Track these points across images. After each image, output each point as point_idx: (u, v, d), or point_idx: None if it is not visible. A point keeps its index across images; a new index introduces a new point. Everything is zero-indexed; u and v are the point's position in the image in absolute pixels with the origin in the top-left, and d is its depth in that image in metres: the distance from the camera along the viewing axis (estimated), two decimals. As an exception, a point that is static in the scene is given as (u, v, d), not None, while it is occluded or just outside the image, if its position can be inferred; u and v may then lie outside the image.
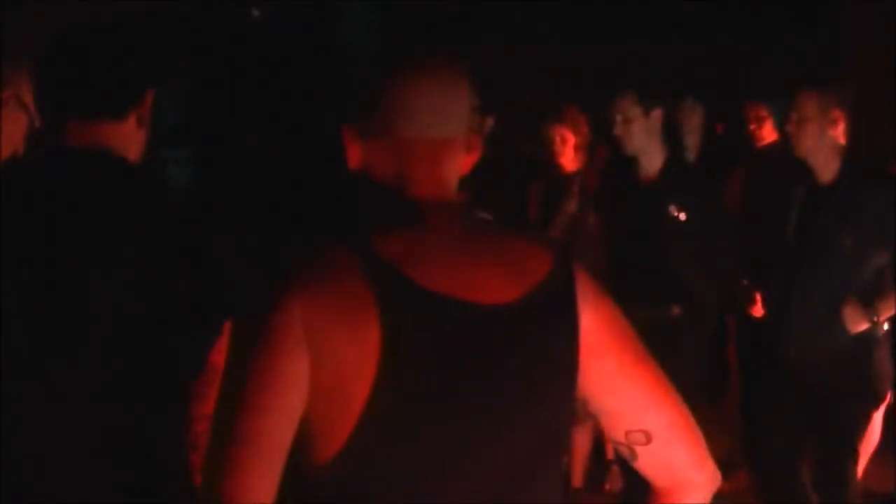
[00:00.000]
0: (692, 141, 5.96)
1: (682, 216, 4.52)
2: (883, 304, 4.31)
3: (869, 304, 4.30)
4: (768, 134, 6.23)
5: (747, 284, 4.98)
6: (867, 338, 4.35)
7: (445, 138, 1.78)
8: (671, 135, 4.82)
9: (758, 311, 4.91)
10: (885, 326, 4.37)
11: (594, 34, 10.90)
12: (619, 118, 4.58)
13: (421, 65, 1.78)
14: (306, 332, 1.63)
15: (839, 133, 4.37)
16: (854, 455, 4.40)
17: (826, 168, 4.36)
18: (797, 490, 4.47)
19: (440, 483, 1.69)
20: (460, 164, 1.82)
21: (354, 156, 1.80)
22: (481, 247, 1.76)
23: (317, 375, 1.64)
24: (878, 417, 4.68)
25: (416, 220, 1.74)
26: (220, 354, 2.05)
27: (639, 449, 1.83)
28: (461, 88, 1.79)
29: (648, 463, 1.85)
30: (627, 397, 1.82)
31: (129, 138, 2.22)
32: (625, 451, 1.85)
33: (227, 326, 2.07)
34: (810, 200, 4.42)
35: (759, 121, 6.28)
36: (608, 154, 5.71)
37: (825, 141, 4.34)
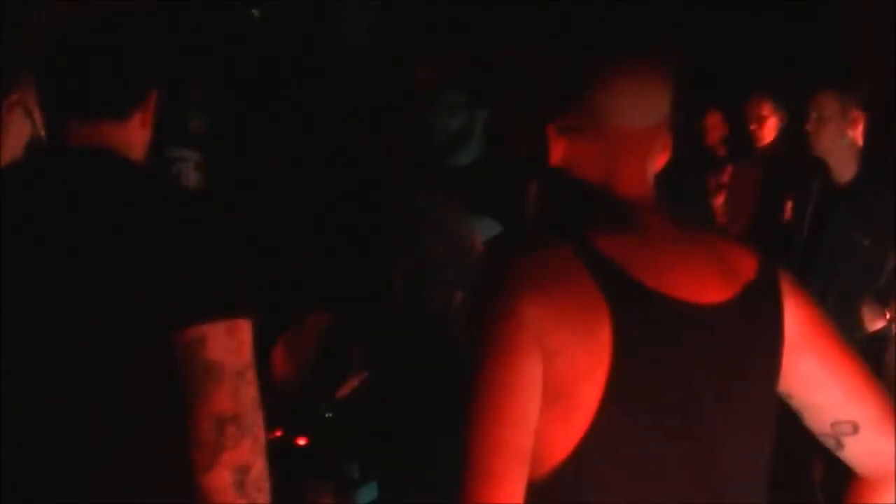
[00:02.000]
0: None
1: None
2: None
3: (885, 302, 4.31)
4: (769, 133, 6.23)
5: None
6: (881, 336, 4.36)
7: (651, 130, 1.79)
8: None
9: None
10: None
11: (594, 34, 10.87)
12: None
13: (633, 59, 1.80)
14: (538, 331, 1.63)
15: (858, 134, 4.37)
16: None
17: (844, 168, 4.35)
18: (810, 490, 4.48)
19: (667, 488, 1.70)
20: (660, 159, 1.83)
21: (557, 152, 1.79)
22: (693, 246, 1.79)
23: (546, 378, 1.63)
24: None
25: (628, 218, 1.76)
26: (224, 354, 2.05)
27: (846, 439, 1.87)
28: (666, 84, 1.81)
29: (856, 453, 1.89)
30: (834, 390, 1.85)
31: (131, 139, 2.22)
32: (830, 443, 1.89)
33: (231, 326, 2.07)
34: (825, 200, 4.41)
35: (760, 120, 6.28)
36: None
37: (844, 142, 4.33)
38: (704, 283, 1.75)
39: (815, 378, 1.86)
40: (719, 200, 6.15)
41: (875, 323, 4.33)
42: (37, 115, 2.71)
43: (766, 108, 6.20)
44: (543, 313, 1.63)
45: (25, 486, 2.10)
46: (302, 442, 4.69)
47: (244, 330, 2.07)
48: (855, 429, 1.86)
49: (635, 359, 1.65)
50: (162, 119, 2.29)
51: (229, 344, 2.05)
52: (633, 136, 1.78)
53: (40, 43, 2.24)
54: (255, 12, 9.55)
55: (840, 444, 1.88)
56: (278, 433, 4.56)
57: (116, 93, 2.20)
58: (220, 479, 2.02)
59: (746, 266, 1.80)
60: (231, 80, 8.28)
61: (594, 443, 1.64)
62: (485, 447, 1.62)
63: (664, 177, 4.91)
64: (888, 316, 4.34)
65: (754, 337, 1.79)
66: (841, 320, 4.33)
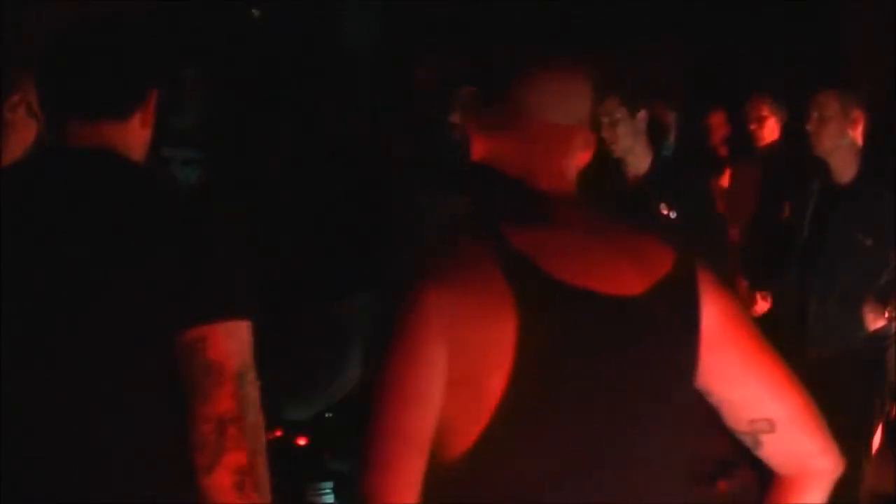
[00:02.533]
0: (669, 142, 5.99)
1: (672, 214, 4.55)
2: None
3: (885, 302, 4.32)
4: (769, 133, 6.23)
5: (748, 285, 4.99)
6: (882, 335, 4.37)
7: (571, 127, 1.81)
8: (655, 135, 4.86)
9: (758, 311, 4.91)
10: None
11: (594, 34, 10.90)
12: (605, 121, 4.60)
13: (550, 59, 1.82)
14: (444, 323, 1.65)
15: (858, 134, 4.38)
16: (868, 451, 4.42)
17: (844, 168, 4.36)
18: None
19: (572, 477, 1.70)
20: (581, 157, 1.84)
21: (478, 148, 1.81)
22: (606, 239, 1.79)
23: (452, 367, 1.65)
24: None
25: (544, 213, 1.77)
26: (225, 355, 2.05)
27: (763, 437, 1.86)
28: (587, 83, 1.83)
29: (773, 451, 1.87)
30: (751, 387, 1.84)
31: (132, 138, 2.22)
32: (748, 440, 1.88)
33: (231, 327, 2.07)
34: (825, 200, 4.42)
35: (760, 120, 6.28)
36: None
37: (844, 141, 4.34)
38: (617, 275, 1.75)
39: (732, 374, 1.84)
40: (720, 200, 6.16)
41: (876, 322, 4.34)
42: (40, 114, 2.71)
43: (766, 108, 6.21)
44: (449, 305, 1.65)
45: (26, 486, 2.10)
46: (302, 442, 4.70)
47: (244, 331, 2.07)
48: (771, 426, 1.84)
49: (539, 349, 1.66)
50: (162, 119, 2.29)
51: (229, 345, 2.05)
52: (553, 132, 1.80)
53: (40, 43, 2.24)
54: (255, 12, 9.56)
55: (758, 442, 1.86)
56: (278, 433, 4.57)
57: (117, 93, 2.20)
58: (221, 479, 2.02)
59: (663, 260, 1.81)
60: (231, 80, 8.29)
61: (497, 431, 1.65)
62: (384, 432, 1.65)
63: (665, 176, 4.90)
64: (888, 315, 4.35)
65: (667, 330, 1.78)
66: (841, 320, 4.35)
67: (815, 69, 7.94)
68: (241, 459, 2.03)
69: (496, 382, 1.65)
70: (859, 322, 4.33)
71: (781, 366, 1.87)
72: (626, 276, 1.76)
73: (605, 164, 4.96)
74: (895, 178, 4.50)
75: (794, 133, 5.01)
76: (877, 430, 4.49)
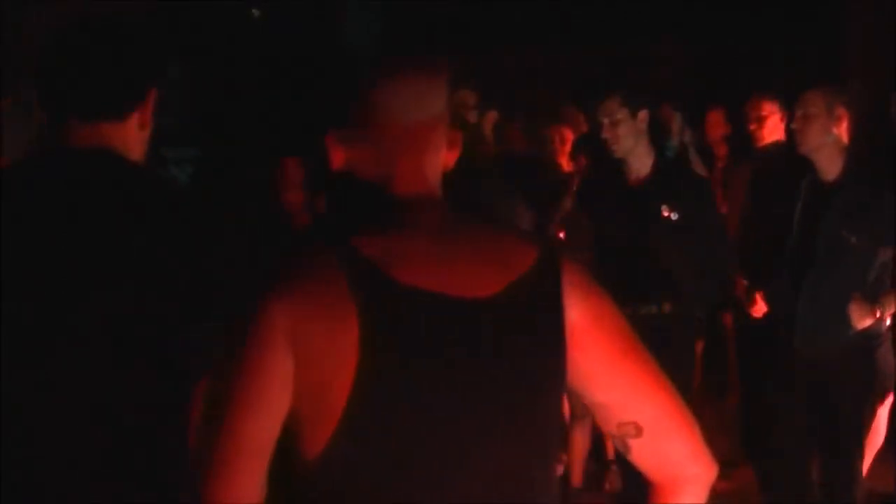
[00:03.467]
0: (672, 142, 6.00)
1: (674, 216, 4.54)
2: (887, 300, 4.33)
3: (874, 300, 4.32)
4: (769, 134, 6.23)
5: (747, 284, 4.99)
6: (872, 333, 4.37)
7: (424, 125, 1.79)
8: (656, 136, 4.85)
9: (758, 310, 4.91)
10: (888, 322, 4.40)
11: (594, 34, 10.90)
12: (606, 121, 4.59)
13: (397, 60, 1.81)
14: (289, 333, 1.65)
15: (843, 131, 4.39)
16: (861, 451, 4.42)
17: (830, 166, 4.38)
18: (807, 489, 4.49)
19: (422, 481, 1.68)
20: (441, 157, 1.82)
21: (338, 157, 1.81)
22: (463, 241, 1.76)
23: (301, 376, 1.66)
24: (883, 416, 4.69)
25: (398, 217, 1.76)
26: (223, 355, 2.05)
27: (631, 441, 1.81)
28: (437, 79, 1.81)
29: (642, 456, 1.82)
30: (617, 389, 1.80)
31: (130, 138, 2.22)
32: (619, 444, 1.83)
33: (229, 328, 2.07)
34: (814, 199, 4.43)
35: (760, 120, 6.27)
36: (589, 161, 5.73)
37: (829, 139, 4.35)
38: (471, 276, 1.72)
39: (599, 376, 1.80)
40: (719, 200, 6.17)
41: (863, 320, 4.35)
42: (39, 114, 2.71)
43: (766, 108, 6.20)
44: (292, 316, 1.65)
45: (25, 486, 2.10)
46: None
47: None
48: (638, 431, 1.79)
49: (381, 354, 1.65)
50: (160, 119, 2.29)
51: (227, 345, 2.05)
52: (405, 133, 1.78)
53: (40, 43, 2.24)
54: (256, 12, 9.56)
55: (626, 447, 1.82)
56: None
57: (115, 93, 2.21)
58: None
59: (523, 259, 1.76)
60: (231, 80, 8.29)
61: (343, 437, 1.65)
62: (223, 438, 1.66)
63: (666, 177, 4.90)
64: (878, 314, 4.35)
65: (524, 330, 1.74)
66: (831, 319, 4.35)
67: (815, 69, 7.94)
68: None
69: (340, 390, 1.64)
70: (848, 321, 4.33)
71: (650, 368, 1.81)
72: (481, 277, 1.73)
73: (605, 165, 4.96)
74: (882, 176, 4.50)
75: (787, 132, 5.01)
76: (871, 425, 4.49)
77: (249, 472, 1.67)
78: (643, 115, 4.61)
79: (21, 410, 2.10)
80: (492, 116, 6.09)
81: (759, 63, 9.55)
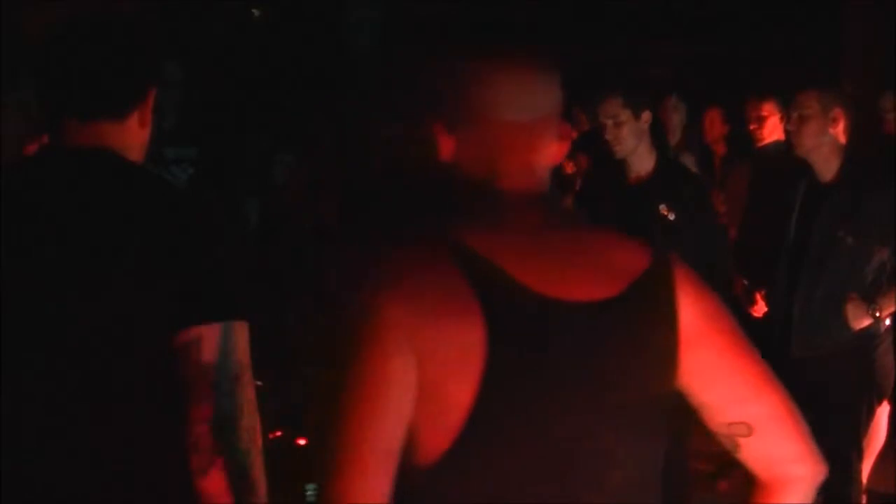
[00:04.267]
0: (673, 140, 5.99)
1: (672, 216, 4.54)
2: (884, 300, 4.32)
3: (871, 300, 4.32)
4: (769, 134, 6.23)
5: (747, 284, 4.99)
6: (869, 334, 4.37)
7: (536, 123, 1.76)
8: (657, 134, 4.85)
9: (758, 310, 4.92)
10: (887, 322, 4.40)
11: (594, 34, 10.90)
12: (609, 123, 4.58)
13: (509, 54, 1.77)
14: (407, 331, 1.61)
15: (839, 132, 4.38)
16: (859, 450, 4.42)
17: (826, 167, 4.38)
18: None
19: (547, 483, 1.68)
20: (552, 152, 1.80)
21: (446, 149, 1.78)
22: (578, 243, 1.75)
23: (420, 375, 1.62)
24: (883, 417, 4.69)
25: (509, 215, 1.73)
26: (220, 356, 2.05)
27: (741, 441, 1.82)
28: (550, 76, 1.79)
29: (751, 455, 1.83)
30: (729, 389, 1.80)
31: (130, 138, 2.22)
32: (727, 443, 1.83)
33: (227, 328, 2.07)
34: (811, 199, 4.43)
35: (759, 120, 6.28)
36: (590, 161, 5.73)
37: (825, 140, 4.35)
38: (585, 280, 1.71)
39: (710, 376, 1.79)
40: (718, 200, 6.17)
41: (861, 321, 4.34)
42: (35, 113, 2.71)
43: (766, 108, 6.20)
44: (411, 313, 1.61)
45: (23, 486, 2.10)
46: (302, 442, 4.69)
47: (240, 331, 2.07)
48: (749, 430, 1.80)
49: (509, 358, 1.63)
50: (160, 118, 2.28)
51: (225, 346, 2.04)
52: (515, 130, 1.75)
53: (40, 43, 2.24)
54: (256, 12, 9.56)
55: (736, 445, 1.82)
56: (278, 433, 4.56)
57: (114, 93, 2.20)
58: (217, 481, 2.02)
59: (635, 262, 1.76)
60: (231, 80, 8.29)
61: (469, 442, 1.63)
62: (352, 443, 1.62)
63: (666, 177, 4.90)
64: (875, 314, 4.35)
65: (642, 334, 1.74)
66: (827, 319, 4.35)
67: (814, 69, 7.94)
68: (236, 461, 2.03)
69: (466, 392, 1.62)
70: (845, 321, 4.33)
71: (762, 368, 1.82)
72: (596, 281, 1.72)
73: (605, 164, 4.96)
74: (883, 176, 4.50)
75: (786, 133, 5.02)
76: (869, 425, 4.49)
77: (381, 478, 1.63)
78: (647, 116, 4.61)
79: (20, 411, 2.10)
80: None
81: (759, 63, 9.55)
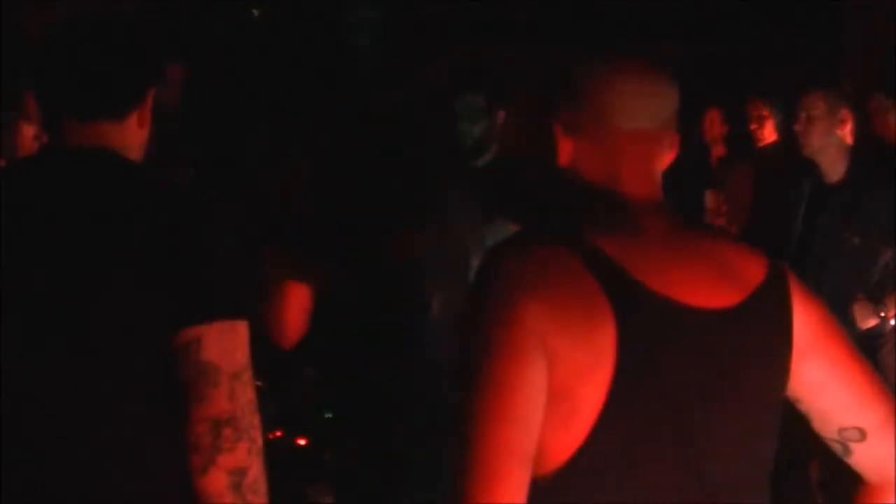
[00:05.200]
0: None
1: None
2: (891, 301, 4.33)
3: (877, 300, 4.33)
4: (769, 134, 6.23)
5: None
6: (875, 334, 4.38)
7: (656, 131, 1.78)
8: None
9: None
10: (892, 322, 4.40)
11: (594, 34, 10.89)
12: None
13: (632, 60, 1.79)
14: (541, 335, 1.61)
15: (846, 133, 4.39)
16: None
17: (833, 167, 4.39)
18: (807, 490, 4.50)
19: (667, 494, 1.69)
20: (665, 160, 1.82)
21: (566, 152, 1.78)
22: (697, 249, 1.77)
23: (550, 380, 1.62)
24: None
25: (632, 220, 1.74)
26: (220, 355, 2.05)
27: (853, 446, 1.85)
28: (669, 85, 1.81)
29: (863, 459, 1.86)
30: (841, 395, 1.84)
31: (129, 138, 2.22)
32: (838, 448, 1.87)
33: (227, 328, 2.07)
34: (816, 199, 4.44)
35: (760, 120, 6.28)
36: None
37: (833, 140, 4.36)
38: (711, 287, 1.73)
39: (823, 383, 1.83)
40: (717, 200, 6.17)
41: (867, 321, 4.35)
42: (36, 113, 2.71)
43: (766, 109, 6.20)
44: (545, 314, 1.61)
45: (23, 486, 2.10)
46: (302, 442, 4.69)
47: (240, 331, 2.07)
48: (862, 435, 1.84)
49: (639, 363, 1.64)
50: (159, 118, 2.28)
51: (225, 345, 2.04)
52: (637, 137, 1.77)
53: (40, 43, 2.24)
54: (256, 12, 9.55)
55: (848, 451, 1.86)
56: (278, 433, 4.56)
57: (114, 93, 2.20)
58: (216, 481, 2.02)
59: (754, 270, 1.78)
60: (231, 80, 8.28)
61: (596, 446, 1.63)
62: (487, 448, 1.60)
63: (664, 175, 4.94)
64: (881, 314, 4.36)
65: (762, 342, 1.77)
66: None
67: (814, 69, 7.94)
68: (236, 461, 2.03)
69: (594, 397, 1.62)
70: (851, 321, 4.34)
71: (872, 373, 1.87)
72: (720, 289, 1.74)
73: None
74: (883, 176, 4.51)
75: (787, 133, 5.02)
76: None
77: (518, 484, 1.62)
78: None
79: (18, 410, 2.10)
80: (500, 116, 6.09)
81: (759, 63, 9.55)
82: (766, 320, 1.78)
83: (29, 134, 2.78)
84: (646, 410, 1.66)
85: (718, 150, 7.24)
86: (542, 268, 1.66)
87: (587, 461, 1.64)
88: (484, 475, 1.60)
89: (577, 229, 1.71)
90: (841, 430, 1.85)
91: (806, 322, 1.81)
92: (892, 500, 1.87)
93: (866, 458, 1.86)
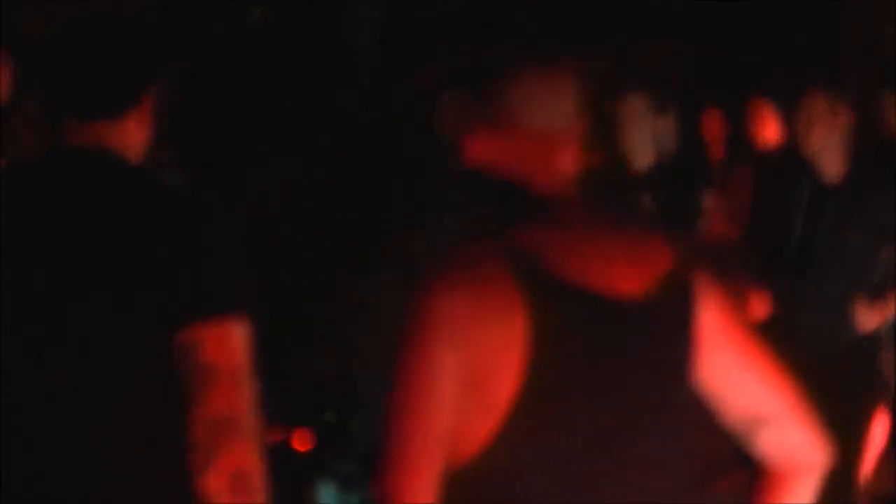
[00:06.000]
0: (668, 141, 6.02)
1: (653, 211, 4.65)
2: (891, 300, 4.34)
3: (879, 300, 4.34)
4: (769, 134, 6.23)
5: (748, 284, 4.99)
6: (874, 335, 4.39)
7: (566, 129, 1.82)
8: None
9: (758, 312, 4.92)
10: (891, 321, 4.42)
11: (594, 34, 10.90)
12: (626, 122, 4.65)
13: (541, 62, 1.84)
14: (455, 326, 1.67)
15: (847, 133, 4.41)
16: (860, 452, 4.43)
17: (833, 167, 4.40)
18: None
19: (583, 475, 1.73)
20: (577, 158, 1.86)
21: (476, 154, 1.83)
22: (610, 240, 1.82)
23: (463, 371, 1.67)
24: (884, 418, 4.70)
25: (548, 215, 1.79)
26: (220, 355, 2.05)
27: (757, 433, 1.89)
28: (576, 85, 1.85)
29: (767, 447, 1.90)
30: (745, 383, 1.87)
31: (129, 138, 2.22)
32: (742, 437, 1.90)
33: (227, 328, 2.07)
34: (816, 199, 4.45)
35: (760, 121, 6.27)
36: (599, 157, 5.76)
37: (834, 140, 4.37)
38: (621, 276, 1.77)
39: (728, 372, 1.87)
40: (717, 200, 6.17)
41: (867, 321, 4.37)
42: (34, 112, 2.71)
43: (767, 109, 6.20)
44: (459, 307, 1.67)
45: (23, 486, 2.10)
46: (302, 442, 4.70)
47: (239, 331, 2.07)
48: (766, 423, 1.87)
49: (549, 351, 1.68)
50: (158, 118, 2.28)
51: (224, 345, 2.05)
52: (547, 136, 1.81)
53: (40, 43, 2.24)
54: (256, 12, 9.56)
55: (752, 439, 1.90)
56: (278, 433, 4.57)
57: (111, 92, 2.20)
58: (216, 481, 2.02)
59: (662, 259, 1.83)
60: (231, 80, 8.28)
61: (509, 435, 1.67)
62: (403, 435, 1.67)
63: (664, 175, 4.95)
64: (880, 314, 4.37)
65: (671, 330, 1.81)
66: (833, 320, 4.37)
67: (814, 69, 7.94)
68: (235, 461, 2.03)
69: (506, 385, 1.67)
70: (851, 322, 4.35)
71: (775, 363, 1.91)
72: (630, 278, 1.78)
73: (608, 162, 5.01)
74: (883, 177, 4.52)
75: (790, 133, 5.03)
76: (871, 429, 4.50)
77: (432, 469, 1.67)
78: (661, 122, 4.72)
79: (19, 411, 2.10)
80: None
81: (759, 63, 9.54)
82: (674, 308, 1.81)
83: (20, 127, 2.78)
84: (557, 398, 1.70)
85: (718, 151, 7.24)
86: (461, 262, 1.73)
87: (500, 449, 1.68)
88: (398, 462, 1.67)
89: (498, 226, 1.76)
90: (745, 418, 1.88)
91: (713, 312, 1.84)
92: (795, 487, 1.91)
93: (769, 446, 1.90)
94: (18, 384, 2.10)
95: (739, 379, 1.87)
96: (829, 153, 4.40)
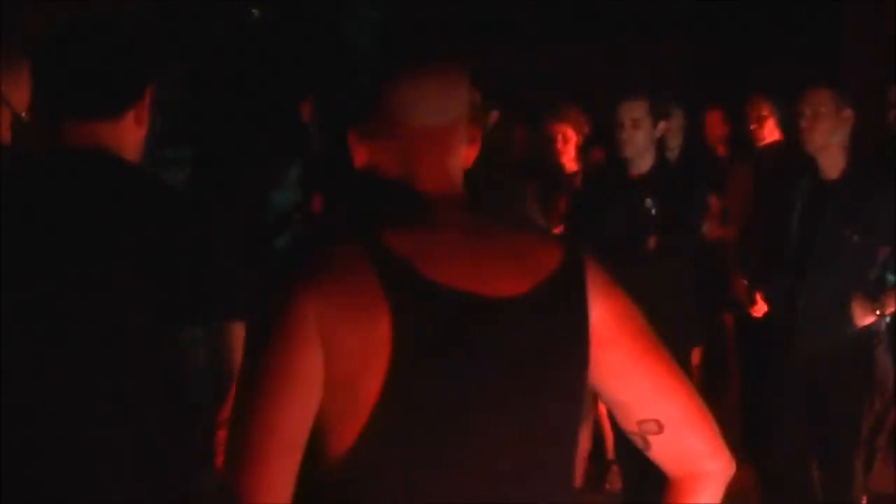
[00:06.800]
0: (674, 141, 6.01)
1: (654, 210, 4.65)
2: (888, 298, 4.35)
3: (875, 298, 4.34)
4: (769, 133, 6.23)
5: (747, 284, 5.00)
6: (870, 332, 4.39)
7: (447, 127, 1.80)
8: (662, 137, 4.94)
9: (758, 310, 4.92)
10: (888, 320, 4.42)
11: (594, 33, 10.91)
12: (627, 122, 4.66)
13: (420, 61, 1.82)
14: (318, 327, 1.64)
15: (849, 132, 4.41)
16: (858, 449, 4.44)
17: (833, 165, 4.40)
18: (807, 488, 4.50)
19: (451, 477, 1.70)
20: (462, 155, 1.84)
21: (360, 156, 1.81)
22: (489, 240, 1.77)
23: (330, 371, 1.65)
24: (882, 416, 4.70)
25: (424, 215, 1.76)
26: (220, 355, 2.05)
27: (651, 438, 1.83)
28: (459, 81, 1.82)
29: (662, 452, 1.85)
30: (638, 387, 1.82)
31: (126, 137, 2.22)
32: (638, 441, 1.85)
33: (227, 328, 2.07)
34: (815, 197, 4.45)
35: (760, 120, 6.28)
36: (603, 156, 5.77)
37: (835, 139, 4.38)
38: (498, 276, 1.73)
39: (621, 373, 1.82)
40: (717, 200, 6.17)
41: (865, 319, 4.37)
42: (14, 99, 2.67)
43: (767, 109, 6.20)
44: (322, 308, 1.64)
45: (23, 481, 2.10)
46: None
47: (239, 332, 2.07)
48: (660, 427, 1.82)
49: (414, 352, 1.65)
50: (157, 118, 2.29)
51: (225, 346, 2.05)
52: (428, 134, 1.79)
53: (40, 43, 2.24)
54: (256, 12, 9.56)
55: (647, 443, 1.84)
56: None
57: (110, 92, 2.20)
58: (215, 481, 2.02)
59: (549, 258, 1.78)
60: (231, 80, 8.28)
61: (373, 433, 1.65)
62: (254, 432, 1.64)
63: (664, 175, 4.96)
64: (878, 312, 4.37)
65: (552, 329, 1.76)
66: (831, 317, 4.37)
67: (814, 69, 7.94)
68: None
69: (372, 385, 1.64)
70: (849, 319, 4.36)
71: (671, 366, 1.84)
72: (508, 277, 1.74)
73: (612, 163, 5.03)
74: (882, 174, 4.52)
75: (790, 132, 5.03)
76: (867, 427, 4.51)
77: (283, 469, 1.65)
78: (662, 126, 4.73)
79: (20, 411, 2.11)
80: (493, 116, 6.11)
81: (759, 63, 9.55)
82: (558, 307, 1.77)
83: (6, 120, 2.77)
84: (424, 400, 1.68)
85: (720, 151, 7.24)
86: (325, 263, 1.69)
87: (363, 452, 1.66)
88: (249, 458, 1.64)
89: (368, 226, 1.73)
90: (640, 423, 1.83)
91: (603, 311, 1.80)
92: (694, 495, 1.85)
93: (664, 451, 1.85)
94: (19, 384, 2.10)
95: (631, 381, 1.82)
96: (829, 151, 4.40)
